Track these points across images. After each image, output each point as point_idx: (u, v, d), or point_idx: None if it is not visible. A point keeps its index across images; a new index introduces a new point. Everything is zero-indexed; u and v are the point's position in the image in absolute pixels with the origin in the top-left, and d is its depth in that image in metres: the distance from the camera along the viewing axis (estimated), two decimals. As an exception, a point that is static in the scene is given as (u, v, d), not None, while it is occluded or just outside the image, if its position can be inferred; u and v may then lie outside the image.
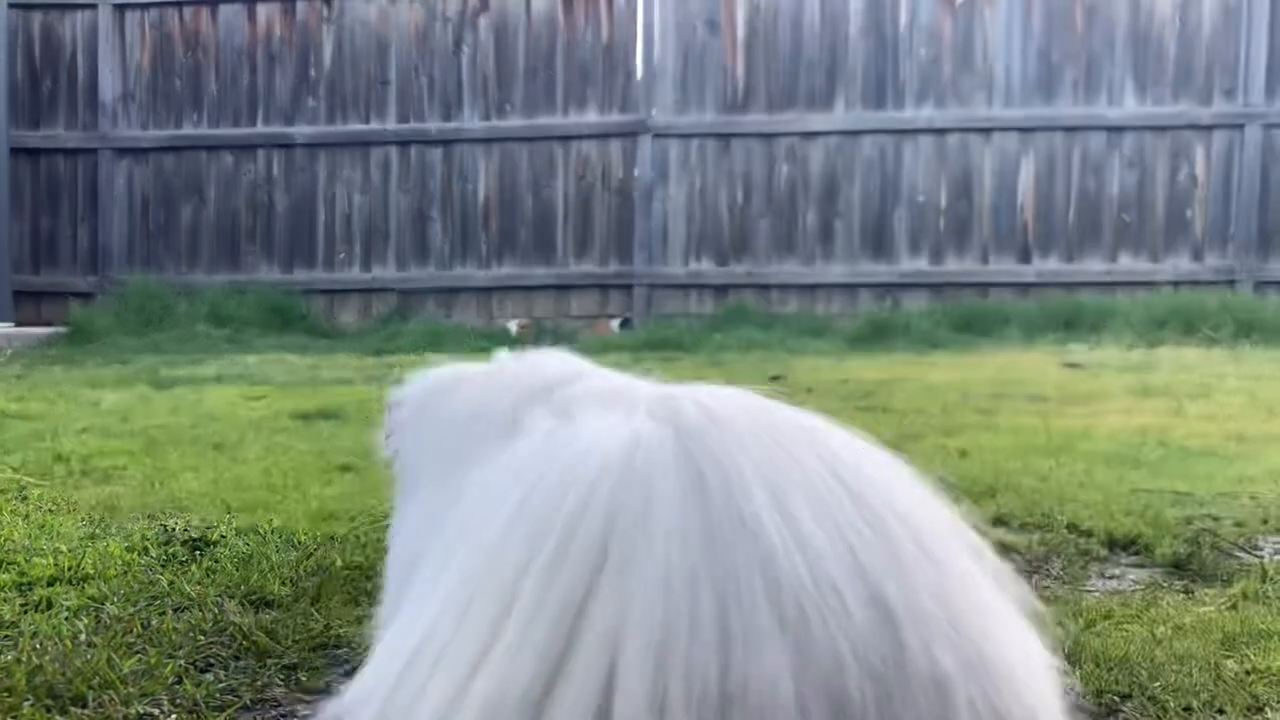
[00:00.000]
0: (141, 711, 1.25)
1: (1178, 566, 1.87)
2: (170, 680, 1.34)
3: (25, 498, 2.40)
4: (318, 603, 1.65)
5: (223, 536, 2.04)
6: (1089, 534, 2.06)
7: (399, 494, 1.09)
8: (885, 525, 0.70)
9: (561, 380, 0.93)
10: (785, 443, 0.74)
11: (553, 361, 1.01)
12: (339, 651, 1.47)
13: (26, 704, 1.26)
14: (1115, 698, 1.29)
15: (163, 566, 1.86)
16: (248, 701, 1.32)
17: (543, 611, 0.68)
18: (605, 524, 0.69)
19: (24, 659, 1.37)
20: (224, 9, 7.82)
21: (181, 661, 1.41)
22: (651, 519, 0.68)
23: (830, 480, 0.71)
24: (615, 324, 7.52)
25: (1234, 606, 1.63)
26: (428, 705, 0.71)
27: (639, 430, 0.74)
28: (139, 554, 1.93)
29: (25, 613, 1.62)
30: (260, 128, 7.85)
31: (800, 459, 0.72)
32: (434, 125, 7.74)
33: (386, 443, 1.15)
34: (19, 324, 7.34)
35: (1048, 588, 1.74)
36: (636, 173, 7.58)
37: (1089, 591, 1.74)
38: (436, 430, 1.01)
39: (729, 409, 0.76)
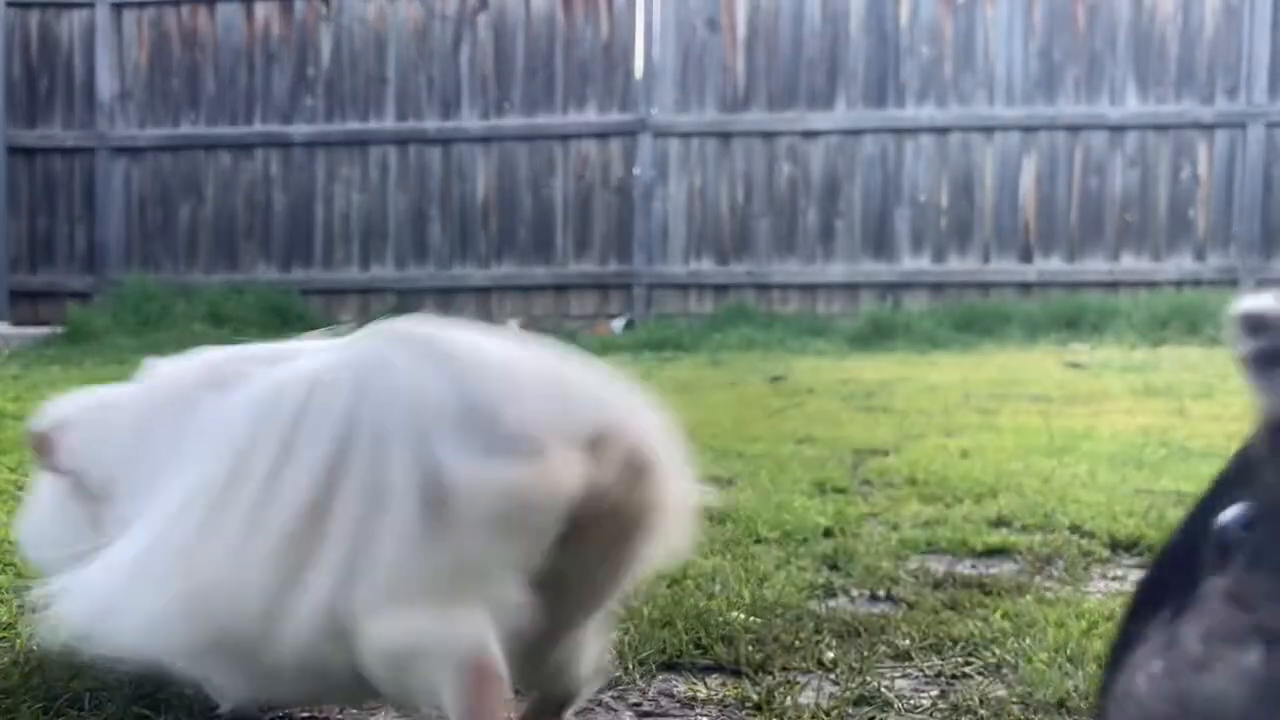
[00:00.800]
0: (139, 713, 1.24)
1: (1181, 567, 1.85)
2: (169, 682, 1.33)
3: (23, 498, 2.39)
4: (314, 604, 1.63)
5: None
6: (1091, 535, 2.05)
7: (108, 499, 1.17)
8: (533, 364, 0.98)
9: (239, 358, 1.14)
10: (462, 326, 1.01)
11: (216, 353, 1.21)
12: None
13: (24, 705, 1.25)
14: (1120, 701, 1.28)
15: (158, 567, 1.85)
16: (243, 704, 1.30)
17: (259, 484, 0.91)
18: (298, 412, 0.93)
19: (21, 660, 1.36)
20: (222, 8, 7.81)
21: (177, 663, 1.40)
22: (331, 406, 0.92)
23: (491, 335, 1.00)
24: (618, 324, 7.51)
25: (1239, 608, 1.61)
26: (149, 594, 0.91)
27: (322, 364, 0.98)
28: (134, 555, 1.91)
29: (22, 614, 1.61)
30: (258, 126, 7.84)
31: (478, 332, 1.00)
32: (432, 124, 7.73)
33: (62, 462, 1.22)
34: (16, 324, 7.33)
35: (1050, 589, 1.73)
36: (636, 172, 7.57)
37: (1091, 593, 1.73)
38: (135, 433, 1.16)
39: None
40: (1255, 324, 0.54)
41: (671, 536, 0.98)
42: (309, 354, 1.02)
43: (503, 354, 0.94)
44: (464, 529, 0.85)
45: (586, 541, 0.91)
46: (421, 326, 0.97)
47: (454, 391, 0.88)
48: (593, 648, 1.05)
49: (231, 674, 1.00)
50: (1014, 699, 1.27)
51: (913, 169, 7.41)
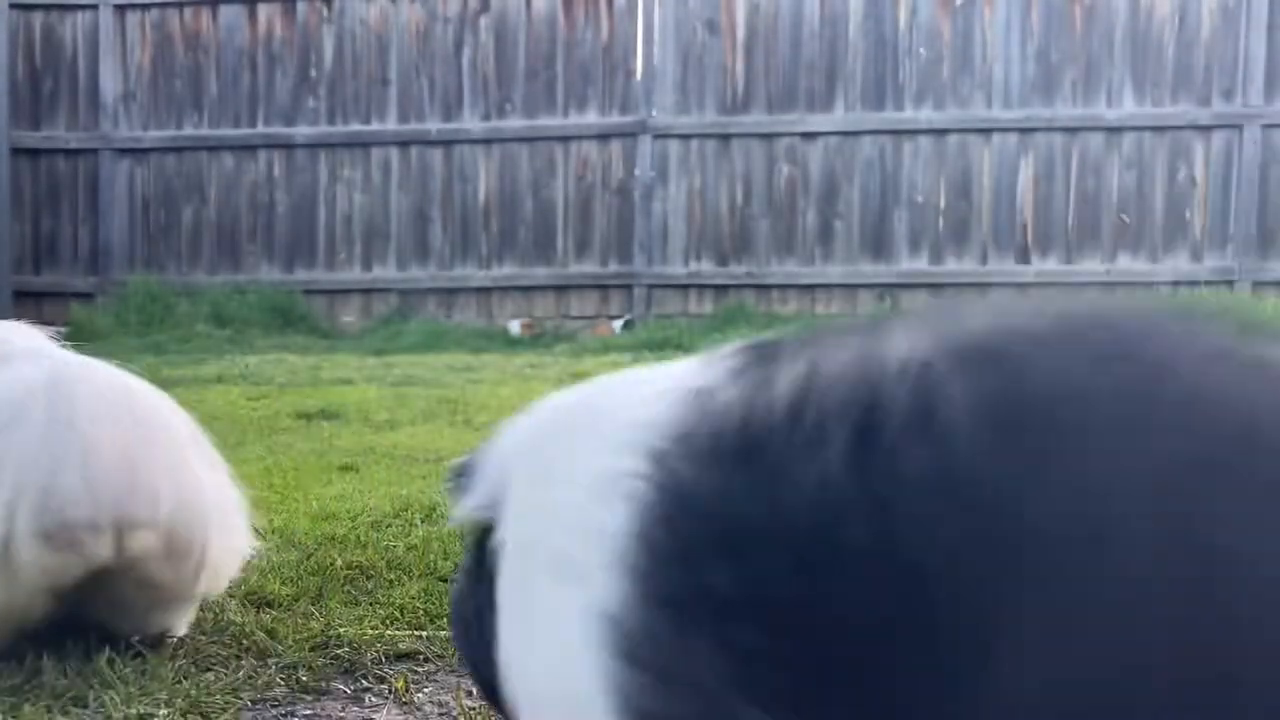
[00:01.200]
0: (142, 712, 1.26)
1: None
2: (171, 680, 1.35)
3: (27, 498, 2.40)
4: (318, 602, 1.66)
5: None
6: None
7: None
8: (149, 425, 1.35)
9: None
10: (106, 390, 1.35)
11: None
12: (340, 651, 1.48)
13: (27, 704, 1.27)
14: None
15: (164, 567, 1.87)
16: (248, 701, 1.32)
17: None
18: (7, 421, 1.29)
19: (24, 658, 1.38)
20: (224, 9, 7.83)
21: (182, 661, 1.42)
22: (25, 426, 1.28)
23: (118, 408, 1.33)
24: (618, 324, 7.53)
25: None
26: None
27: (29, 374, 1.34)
28: (140, 554, 1.93)
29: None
30: (261, 128, 7.86)
31: (112, 400, 1.34)
32: (434, 126, 7.75)
33: None
34: (20, 324, 7.34)
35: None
36: (636, 173, 7.59)
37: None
38: None
39: (85, 369, 1.37)
40: (458, 472, 0.84)
41: (210, 579, 1.42)
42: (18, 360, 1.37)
43: (100, 433, 1.28)
44: (14, 582, 1.26)
45: (117, 584, 1.33)
46: (76, 373, 1.34)
47: (47, 473, 1.24)
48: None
49: None
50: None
51: (911, 170, 7.43)
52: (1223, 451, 0.48)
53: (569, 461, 0.65)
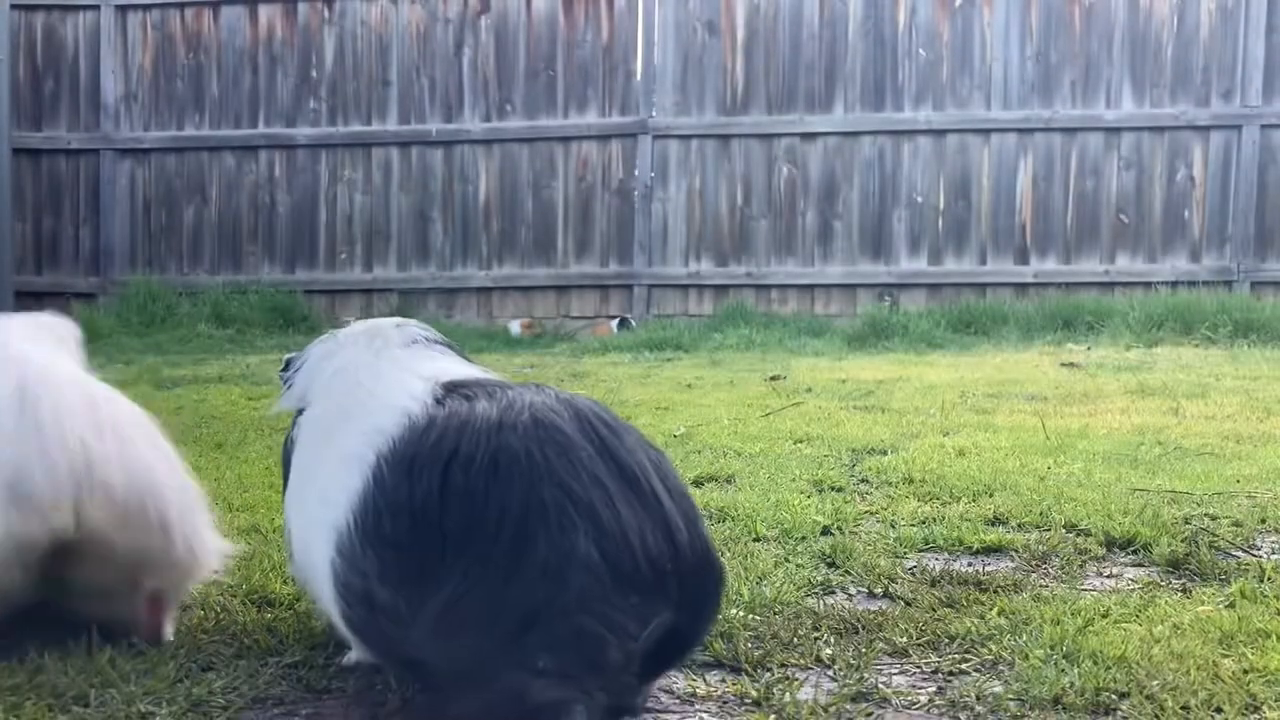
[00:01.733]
0: (144, 710, 1.26)
1: (1175, 565, 1.87)
2: (172, 679, 1.35)
3: (27, 498, 2.40)
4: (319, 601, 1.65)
5: (225, 536, 2.05)
6: (1087, 533, 2.07)
7: None
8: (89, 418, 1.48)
9: None
10: (70, 393, 1.49)
11: None
12: (340, 649, 1.47)
13: (29, 702, 1.27)
14: (1113, 696, 1.30)
15: (165, 566, 1.87)
16: (250, 700, 1.32)
17: None
18: None
19: (26, 657, 1.38)
20: (226, 10, 7.84)
21: (183, 660, 1.42)
22: None
23: (78, 406, 1.48)
24: (615, 324, 7.53)
25: (1231, 605, 1.63)
26: None
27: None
28: (141, 553, 1.93)
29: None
30: (262, 129, 7.87)
31: (73, 402, 1.47)
32: (435, 126, 7.76)
33: None
34: (20, 324, 7.34)
35: (1045, 586, 1.75)
36: (636, 173, 7.60)
37: (1087, 590, 1.75)
38: None
39: (53, 377, 1.49)
40: (285, 364, 1.58)
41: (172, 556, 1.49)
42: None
43: (60, 429, 1.42)
44: None
45: (83, 555, 1.42)
46: (46, 376, 1.47)
47: (15, 460, 1.37)
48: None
49: None
50: (1010, 695, 1.29)
51: (910, 171, 7.43)
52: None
53: (349, 421, 1.30)
